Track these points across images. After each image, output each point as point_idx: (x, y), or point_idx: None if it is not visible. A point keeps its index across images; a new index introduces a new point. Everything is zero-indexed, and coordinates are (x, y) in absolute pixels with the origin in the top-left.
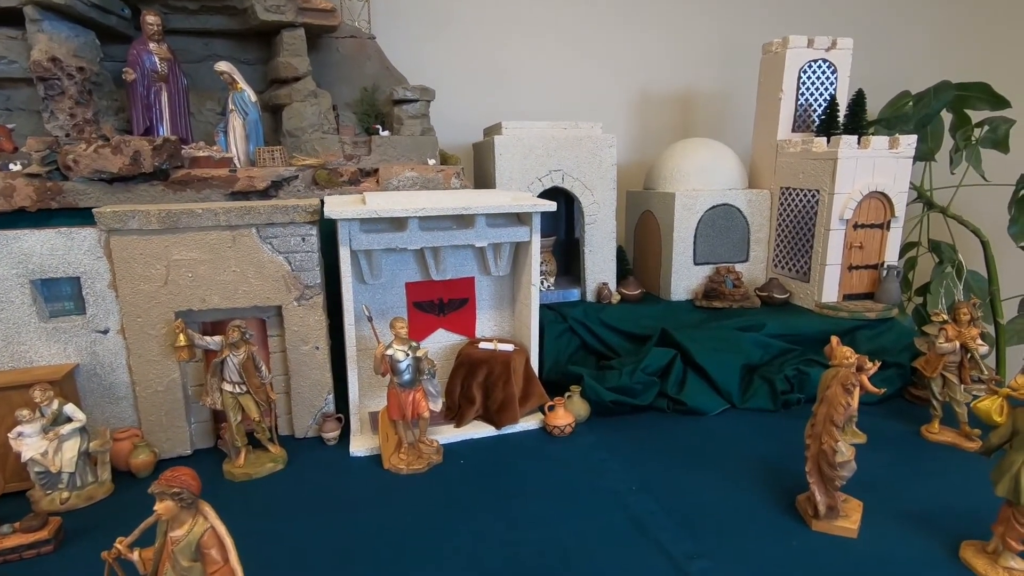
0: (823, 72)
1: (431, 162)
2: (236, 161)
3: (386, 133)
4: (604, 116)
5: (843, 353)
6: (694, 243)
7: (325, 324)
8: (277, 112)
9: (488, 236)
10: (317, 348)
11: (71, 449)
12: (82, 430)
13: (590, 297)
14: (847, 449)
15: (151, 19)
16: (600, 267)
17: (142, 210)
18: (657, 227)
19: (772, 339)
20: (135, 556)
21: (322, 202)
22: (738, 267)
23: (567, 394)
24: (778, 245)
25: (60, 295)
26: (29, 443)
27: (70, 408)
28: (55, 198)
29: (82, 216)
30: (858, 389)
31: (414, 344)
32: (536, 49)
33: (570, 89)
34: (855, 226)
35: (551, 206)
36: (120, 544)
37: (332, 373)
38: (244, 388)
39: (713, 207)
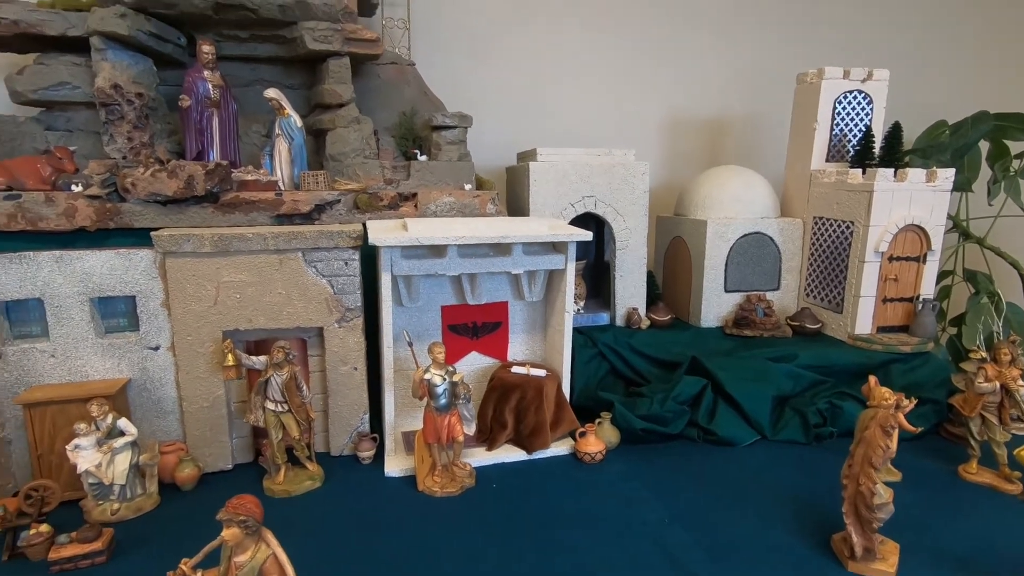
0: (858, 103)
1: (467, 187)
2: (281, 184)
3: (424, 158)
4: (634, 140)
5: (882, 394)
6: (725, 270)
7: (364, 346)
8: (319, 136)
9: (524, 264)
10: (355, 369)
11: (123, 462)
12: (133, 444)
13: (619, 322)
14: (885, 491)
15: (206, 48)
16: (630, 292)
17: (196, 234)
18: (688, 253)
19: (804, 370)
20: None
21: (364, 227)
22: (769, 296)
23: (597, 420)
24: (810, 275)
25: (115, 312)
26: (85, 455)
27: (123, 422)
28: (113, 219)
29: (136, 236)
30: (897, 431)
31: (451, 369)
32: (568, 74)
33: (601, 113)
34: (890, 258)
35: (587, 235)
36: (185, 565)
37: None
38: (286, 407)
39: (745, 235)
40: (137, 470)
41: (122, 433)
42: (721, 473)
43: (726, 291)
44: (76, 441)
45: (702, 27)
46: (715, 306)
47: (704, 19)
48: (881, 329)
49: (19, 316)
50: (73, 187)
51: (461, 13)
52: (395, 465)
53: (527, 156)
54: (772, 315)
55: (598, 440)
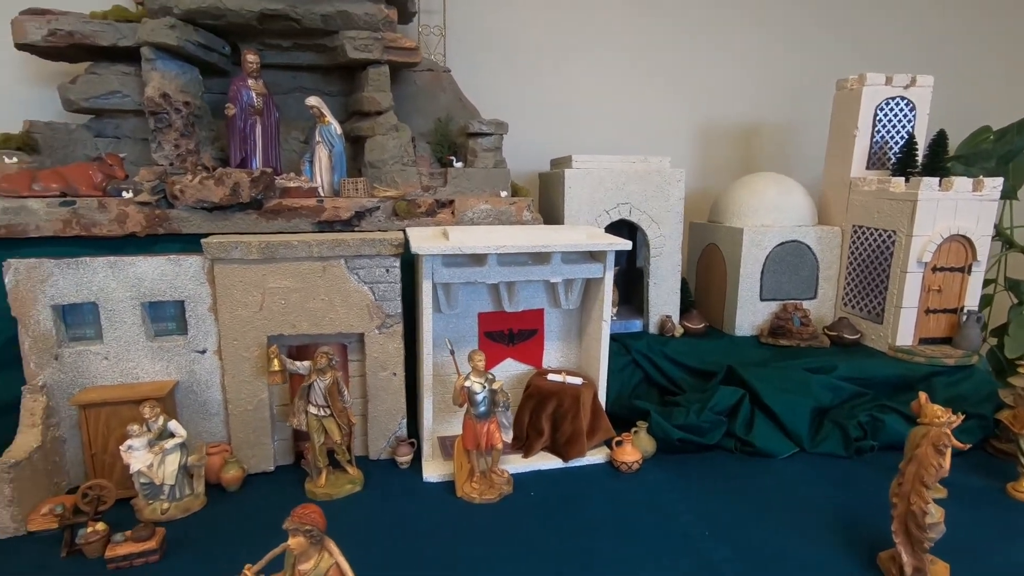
0: (901, 110)
1: (503, 194)
2: (320, 191)
3: (460, 164)
4: (665, 146)
5: (933, 411)
6: (761, 279)
7: (403, 352)
8: (357, 143)
9: (562, 272)
10: (394, 374)
11: (173, 463)
12: (182, 445)
13: (652, 329)
14: (936, 511)
15: (251, 58)
16: (664, 299)
17: (244, 241)
18: (722, 261)
19: (843, 382)
20: None
21: (405, 234)
22: (805, 304)
23: (633, 430)
24: (848, 284)
25: (164, 316)
26: (137, 456)
27: (173, 424)
28: (162, 224)
29: (183, 241)
30: (949, 449)
31: (490, 376)
32: (600, 80)
33: (632, 119)
34: (934, 269)
35: (626, 244)
36: (248, 571)
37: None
38: (328, 411)
39: (782, 243)
40: (185, 471)
41: (172, 435)
42: (760, 486)
43: (761, 299)
44: (129, 442)
45: (736, 33)
46: (750, 314)
47: (738, 26)
48: (923, 341)
49: (74, 319)
50: (124, 193)
51: (495, 19)
52: (433, 470)
53: (562, 163)
54: (809, 324)
55: (634, 449)
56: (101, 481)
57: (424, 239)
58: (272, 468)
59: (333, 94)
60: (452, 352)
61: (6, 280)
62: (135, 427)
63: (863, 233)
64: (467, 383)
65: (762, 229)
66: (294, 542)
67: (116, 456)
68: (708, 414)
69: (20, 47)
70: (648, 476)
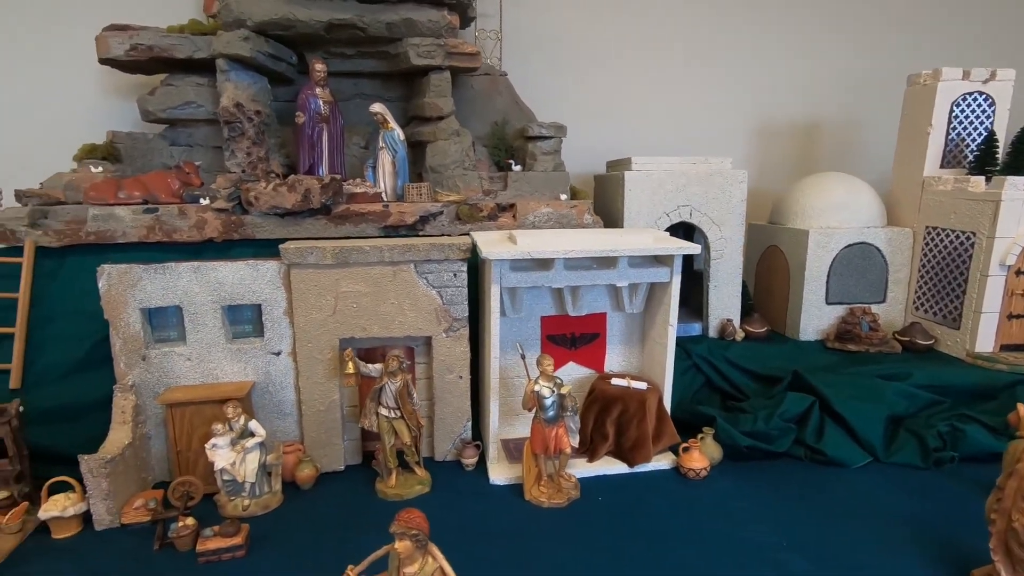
0: (979, 105)
1: (563, 197)
2: (383, 196)
3: (518, 168)
4: (722, 145)
5: None
6: (827, 282)
7: (469, 355)
8: (417, 148)
9: (629, 276)
10: (460, 377)
11: (253, 461)
12: (261, 444)
13: (712, 333)
14: None
15: (319, 67)
16: (724, 303)
17: (319, 246)
18: (785, 263)
19: (919, 390)
20: None
21: (471, 239)
22: (874, 308)
23: (700, 436)
24: (921, 287)
25: (242, 320)
26: (221, 454)
27: (254, 424)
28: (237, 230)
29: (256, 247)
30: None
31: (558, 381)
32: (655, 79)
33: (688, 118)
34: (1017, 272)
35: (695, 249)
36: (351, 572)
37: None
38: (398, 413)
39: (850, 245)
40: (264, 469)
41: (252, 434)
42: (834, 495)
43: (827, 303)
44: (214, 440)
45: (794, 27)
46: (815, 318)
47: (796, 20)
48: (1005, 347)
49: (159, 322)
50: (201, 200)
51: (550, 22)
52: (499, 473)
53: (620, 165)
54: (878, 329)
55: (702, 456)
56: (190, 478)
57: (492, 244)
58: (342, 467)
59: (393, 100)
60: (523, 356)
61: (100, 284)
62: (219, 426)
63: (938, 234)
64: (536, 387)
65: (828, 231)
66: (401, 545)
67: (199, 453)
68: (777, 421)
69: (103, 61)
70: (717, 483)
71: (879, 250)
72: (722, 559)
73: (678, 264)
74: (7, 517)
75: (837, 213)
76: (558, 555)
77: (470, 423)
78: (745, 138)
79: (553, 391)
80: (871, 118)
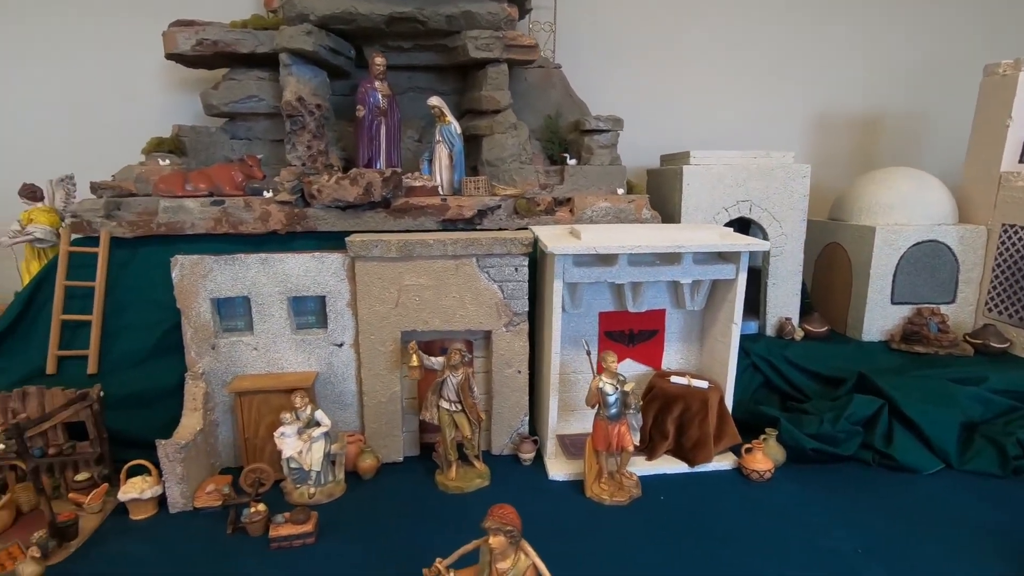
0: None
1: (620, 192)
2: (440, 189)
3: (573, 161)
4: (779, 139)
5: None
6: (893, 280)
7: (528, 350)
8: (471, 141)
9: (693, 273)
10: (519, 372)
11: (319, 450)
12: (326, 434)
13: (770, 331)
14: None
15: (379, 60)
16: (783, 301)
17: (384, 239)
18: (847, 261)
19: (996, 395)
20: None
21: (533, 234)
22: (943, 309)
23: (763, 437)
24: (995, 288)
25: (305, 311)
26: (289, 442)
27: (319, 414)
28: (300, 223)
29: (318, 239)
30: None
31: (622, 378)
32: (710, 71)
33: (743, 111)
34: None
35: (764, 246)
36: (440, 564)
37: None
38: (459, 407)
39: (918, 243)
40: (329, 458)
41: (318, 423)
42: (907, 502)
43: (892, 303)
44: (282, 429)
45: (854, 17)
46: (879, 318)
47: (857, 8)
48: None
49: (227, 312)
50: (265, 193)
51: (603, 14)
52: (558, 469)
53: (677, 159)
54: (948, 331)
55: (766, 458)
56: (262, 465)
57: (554, 239)
58: (401, 459)
59: (447, 93)
60: (588, 352)
61: (173, 274)
62: (287, 415)
63: (1016, 233)
64: (600, 384)
65: (896, 228)
66: (495, 541)
67: (265, 440)
68: (844, 424)
69: (170, 56)
70: (783, 486)
71: (950, 248)
72: (797, 565)
73: (745, 261)
74: (89, 497)
75: (905, 210)
76: (626, 554)
77: (527, 418)
78: (802, 132)
79: (616, 388)
80: (938, 109)
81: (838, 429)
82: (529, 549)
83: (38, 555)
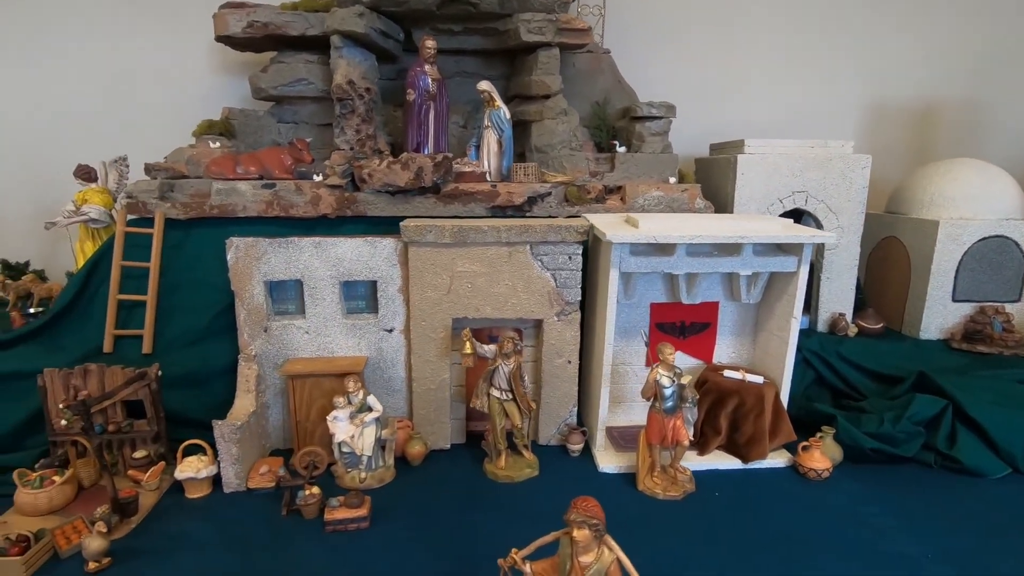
0: None
1: (672, 180)
2: (487, 176)
3: (623, 149)
4: (832, 128)
5: None
6: (955, 277)
7: (578, 340)
8: (518, 127)
9: (753, 265)
10: (569, 362)
11: (370, 435)
12: (377, 419)
13: (821, 327)
14: None
15: (429, 43)
16: (837, 296)
17: (438, 225)
18: (905, 256)
19: None
20: (527, 568)
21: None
22: (1008, 308)
23: (819, 435)
24: None
25: (356, 295)
26: (341, 427)
27: (372, 399)
28: (350, 207)
29: (367, 223)
30: None
31: (678, 371)
32: (761, 58)
33: (795, 99)
34: None
35: (830, 238)
36: (515, 554)
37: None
38: (510, 395)
39: (984, 238)
40: (379, 443)
41: (370, 408)
42: (975, 507)
43: (953, 300)
44: (335, 413)
45: (915, 2)
46: (938, 316)
47: None
48: None
49: (279, 295)
50: (315, 176)
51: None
52: (608, 461)
53: (730, 147)
54: (1013, 330)
55: (824, 456)
56: (316, 448)
57: (611, 227)
58: (448, 446)
59: (494, 78)
60: (647, 344)
61: (228, 256)
62: (340, 399)
63: None
64: (657, 376)
65: (960, 222)
66: (580, 534)
67: (316, 423)
68: (906, 424)
69: (220, 39)
70: (840, 486)
71: (1017, 244)
72: (862, 568)
73: (808, 254)
74: (147, 475)
75: (971, 203)
76: (682, 550)
77: (575, 408)
78: (856, 121)
79: (673, 381)
80: (1001, 97)
81: (899, 429)
82: (613, 544)
83: (104, 530)
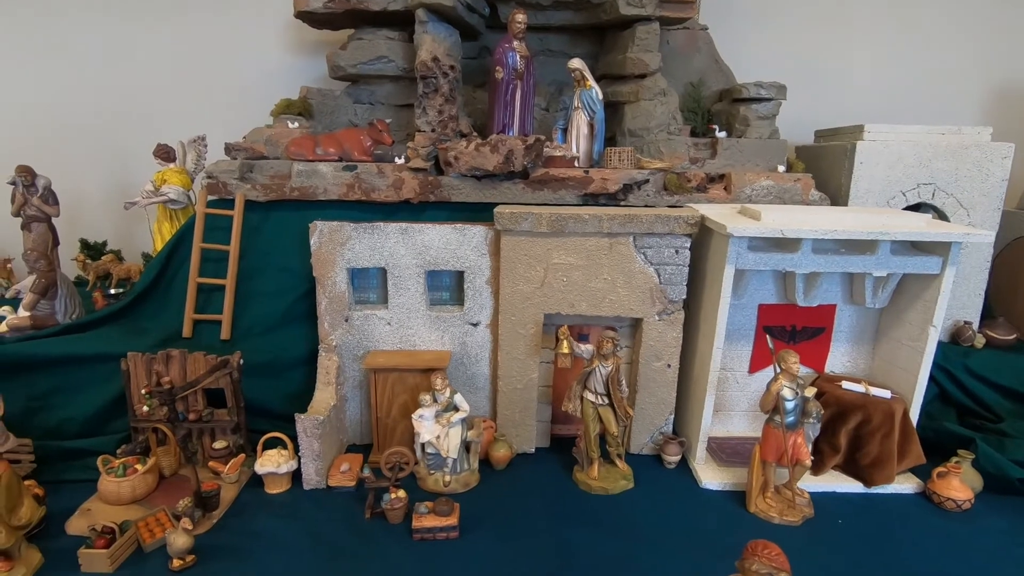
0: None
1: (780, 169)
2: (577, 161)
3: (723, 134)
4: (954, 114)
5: None
6: None
7: (680, 342)
8: (608, 108)
9: (890, 265)
10: (668, 366)
11: (456, 436)
12: (463, 420)
13: (942, 336)
14: None
15: (520, 17)
16: (962, 302)
17: (535, 212)
18: None
19: None
20: None
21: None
22: None
23: (955, 459)
24: None
25: (440, 286)
26: (427, 426)
27: (458, 398)
28: (433, 192)
29: (450, 209)
30: None
31: (801, 382)
32: (864, 39)
33: (911, 82)
34: None
35: (987, 237)
36: None
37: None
38: (606, 400)
39: None
40: (465, 445)
41: (457, 408)
42: None
43: None
44: (421, 411)
45: None
46: None
47: None
48: None
49: (360, 284)
50: (397, 159)
51: None
52: (711, 476)
53: (844, 134)
54: None
55: (963, 484)
56: (403, 449)
57: (725, 218)
58: (533, 450)
59: (581, 56)
60: (773, 351)
61: (312, 241)
62: (427, 397)
63: None
64: (779, 388)
65: None
66: None
67: (397, 420)
68: None
69: (300, 15)
70: (986, 520)
71: None
72: None
73: (956, 255)
74: (228, 467)
75: None
76: None
77: (672, 416)
78: (983, 105)
79: (796, 393)
80: None
81: None
82: None
83: (190, 527)
